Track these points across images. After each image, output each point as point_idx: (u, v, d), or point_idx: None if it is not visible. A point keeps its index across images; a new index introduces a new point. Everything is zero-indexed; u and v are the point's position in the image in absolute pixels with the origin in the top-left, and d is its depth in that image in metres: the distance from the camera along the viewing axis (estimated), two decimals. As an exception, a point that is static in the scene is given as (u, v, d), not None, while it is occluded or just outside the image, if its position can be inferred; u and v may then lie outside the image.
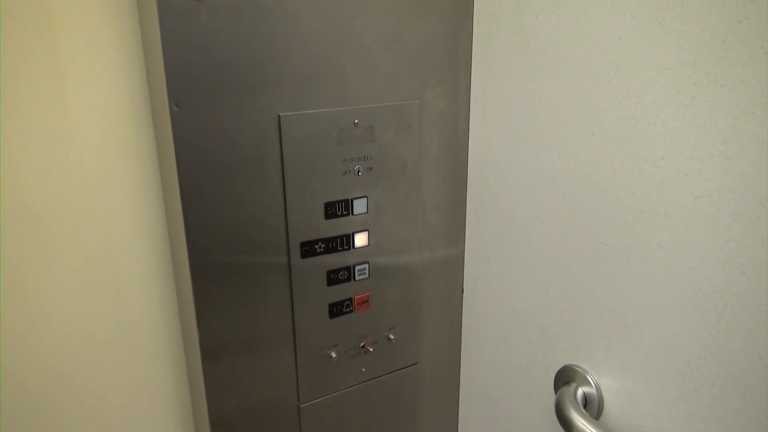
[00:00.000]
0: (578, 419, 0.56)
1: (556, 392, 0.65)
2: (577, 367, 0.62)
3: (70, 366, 0.66)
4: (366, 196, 0.66)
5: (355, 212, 0.66)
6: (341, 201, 0.65)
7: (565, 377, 0.63)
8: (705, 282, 0.48)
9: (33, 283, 0.62)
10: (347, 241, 0.66)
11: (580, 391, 0.60)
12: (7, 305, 0.61)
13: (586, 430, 0.55)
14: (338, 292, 0.67)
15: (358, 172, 0.65)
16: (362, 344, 0.71)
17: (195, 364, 0.65)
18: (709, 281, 0.48)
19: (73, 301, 0.64)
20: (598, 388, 0.60)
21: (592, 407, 0.60)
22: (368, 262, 0.68)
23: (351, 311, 0.69)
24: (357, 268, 0.68)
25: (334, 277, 0.67)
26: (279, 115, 0.59)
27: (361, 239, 0.67)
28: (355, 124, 0.63)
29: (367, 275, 0.69)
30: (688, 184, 0.48)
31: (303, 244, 0.64)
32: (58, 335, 0.64)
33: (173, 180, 0.57)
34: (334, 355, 0.69)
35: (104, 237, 0.64)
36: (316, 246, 0.65)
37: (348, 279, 0.68)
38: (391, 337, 0.73)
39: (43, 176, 0.60)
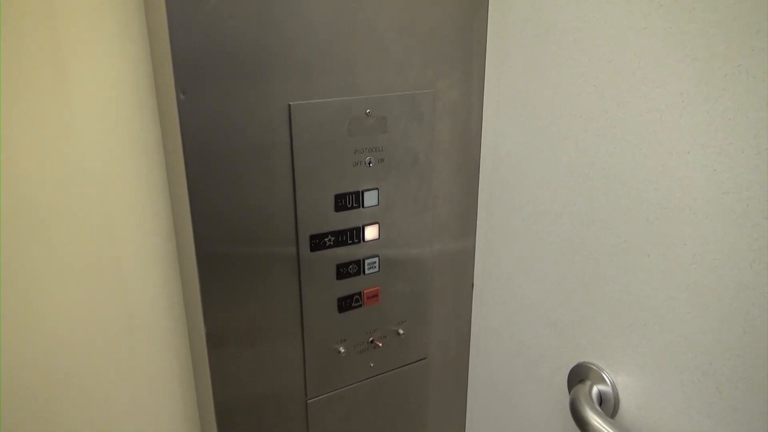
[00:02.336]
0: (594, 418, 0.54)
1: (569, 390, 0.64)
2: (592, 364, 0.61)
3: (73, 357, 0.64)
4: (377, 188, 0.64)
5: (365, 204, 0.64)
6: (352, 193, 0.63)
7: (579, 375, 0.62)
8: (731, 281, 0.47)
9: (35, 274, 0.60)
10: (357, 234, 0.65)
11: (595, 389, 0.59)
12: (10, 296, 0.59)
13: (603, 429, 0.53)
14: (347, 286, 0.66)
15: (369, 164, 0.63)
16: (371, 339, 0.70)
17: (201, 357, 0.64)
18: (735, 280, 0.46)
19: (75, 292, 0.63)
20: (614, 387, 0.58)
21: (608, 406, 0.59)
22: (378, 256, 0.67)
23: (360, 305, 0.67)
24: (367, 261, 0.66)
25: (344, 271, 0.65)
26: (289, 104, 0.57)
27: (371, 232, 0.65)
28: (366, 114, 0.61)
29: (376, 269, 0.67)
30: (716, 180, 0.46)
31: (312, 237, 0.62)
32: (61, 326, 0.63)
33: (180, 170, 0.56)
34: (342, 349, 0.68)
35: (108, 228, 0.63)
36: (326, 239, 0.63)
37: (357, 273, 0.66)
38: (400, 331, 0.72)
39: (45, 166, 0.58)
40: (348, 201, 0.63)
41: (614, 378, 0.59)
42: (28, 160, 0.57)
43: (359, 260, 0.66)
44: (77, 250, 0.62)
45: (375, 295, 0.68)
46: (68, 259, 0.61)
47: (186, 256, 0.62)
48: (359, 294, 0.67)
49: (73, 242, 0.61)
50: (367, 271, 0.67)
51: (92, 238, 0.62)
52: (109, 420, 0.69)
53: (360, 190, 0.64)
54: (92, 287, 0.63)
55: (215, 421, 0.63)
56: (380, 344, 0.70)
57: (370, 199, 0.64)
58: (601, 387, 0.59)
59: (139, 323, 0.67)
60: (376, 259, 0.67)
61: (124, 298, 0.66)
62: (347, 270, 0.65)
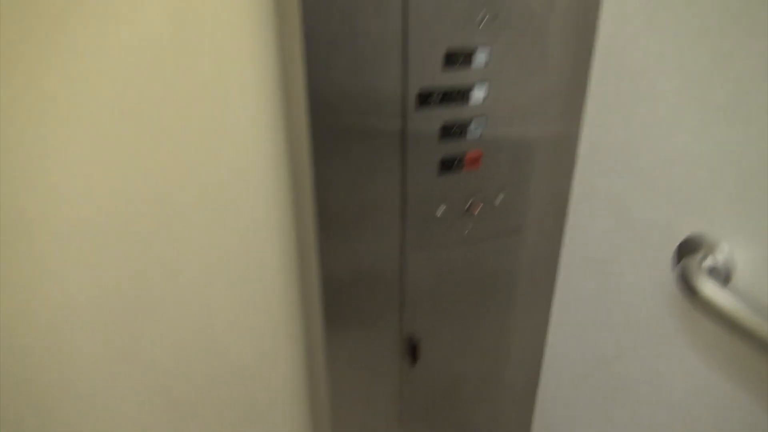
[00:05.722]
0: (706, 284, 0.53)
1: (676, 263, 0.62)
2: (705, 235, 0.58)
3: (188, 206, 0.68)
4: (489, 47, 0.62)
5: (475, 64, 0.62)
6: (462, 50, 0.61)
7: (689, 247, 0.60)
8: None
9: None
10: (464, 94, 0.63)
11: (706, 260, 0.57)
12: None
13: (715, 295, 0.52)
14: (450, 148, 0.65)
15: (483, 20, 0.60)
16: (468, 205, 0.70)
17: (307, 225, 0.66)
18: None
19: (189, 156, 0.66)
20: (727, 259, 0.56)
21: (719, 277, 0.57)
22: (484, 118, 0.65)
23: (461, 169, 0.67)
24: (471, 124, 0.65)
25: (448, 132, 0.64)
26: (407, -55, 0.54)
27: (478, 93, 0.64)
28: (484, -39, 0.58)
29: (480, 133, 0.66)
30: None
31: (419, 95, 0.61)
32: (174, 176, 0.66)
33: (295, 27, 0.55)
34: (439, 212, 0.68)
35: (221, 98, 0.64)
36: (432, 96, 0.62)
37: (461, 135, 0.65)
38: (497, 201, 0.71)
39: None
40: (457, 59, 0.61)
41: (729, 249, 0.56)
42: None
43: (464, 122, 0.65)
44: (191, 124, 0.64)
45: (476, 159, 0.67)
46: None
47: (294, 109, 0.62)
48: (461, 157, 0.66)
49: (188, 109, 0.63)
50: (470, 134, 0.66)
51: (204, 106, 0.64)
52: (217, 292, 0.74)
53: (472, 48, 0.61)
54: (201, 150, 0.66)
55: (320, 280, 0.66)
56: (476, 212, 0.70)
57: (480, 58, 0.62)
58: (713, 258, 0.57)
59: (246, 206, 0.70)
60: (482, 122, 0.65)
61: (232, 170, 0.68)
62: (451, 131, 0.64)
